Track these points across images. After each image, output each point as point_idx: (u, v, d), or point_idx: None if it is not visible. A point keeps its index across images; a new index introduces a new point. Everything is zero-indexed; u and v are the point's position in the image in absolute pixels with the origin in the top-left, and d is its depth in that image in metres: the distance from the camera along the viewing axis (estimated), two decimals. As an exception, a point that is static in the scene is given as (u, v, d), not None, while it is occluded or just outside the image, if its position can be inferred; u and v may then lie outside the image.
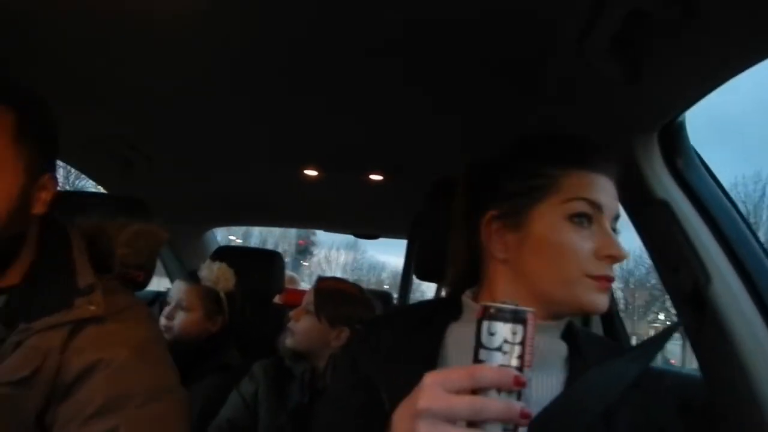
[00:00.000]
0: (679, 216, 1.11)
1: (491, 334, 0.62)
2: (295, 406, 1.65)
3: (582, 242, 0.86)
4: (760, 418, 0.94)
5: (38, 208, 0.96)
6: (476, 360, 0.63)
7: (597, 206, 0.87)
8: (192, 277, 1.94)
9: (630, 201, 1.28)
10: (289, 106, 1.76)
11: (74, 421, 0.86)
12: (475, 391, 0.61)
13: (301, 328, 1.72)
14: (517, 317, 0.62)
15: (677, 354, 10.85)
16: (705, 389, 1.10)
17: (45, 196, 0.97)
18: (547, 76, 1.33)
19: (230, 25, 1.28)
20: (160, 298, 2.27)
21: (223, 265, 1.97)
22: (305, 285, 4.40)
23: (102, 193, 2.36)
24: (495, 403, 0.60)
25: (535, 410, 0.64)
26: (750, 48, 0.85)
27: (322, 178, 2.42)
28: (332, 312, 1.70)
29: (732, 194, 1.18)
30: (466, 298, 0.96)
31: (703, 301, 1.04)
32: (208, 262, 1.98)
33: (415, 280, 2.11)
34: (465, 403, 0.60)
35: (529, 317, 0.63)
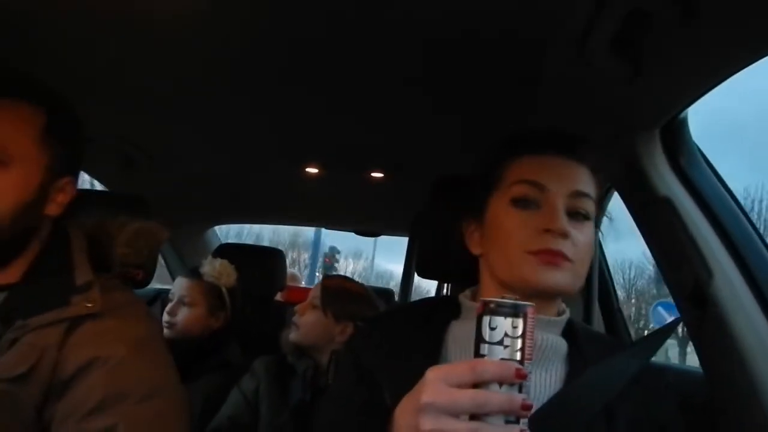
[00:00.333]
0: (681, 213, 1.11)
1: (492, 328, 0.63)
2: (297, 403, 1.66)
3: (525, 223, 0.87)
4: (762, 415, 0.94)
5: (53, 209, 0.99)
6: (477, 354, 0.64)
7: (540, 186, 0.88)
8: (194, 273, 1.95)
9: (632, 198, 1.28)
10: (289, 104, 1.76)
11: (72, 417, 0.86)
12: (477, 385, 0.61)
13: (306, 322, 1.73)
14: (517, 311, 0.63)
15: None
16: (706, 386, 1.10)
17: (62, 198, 0.99)
18: (548, 74, 1.33)
19: (230, 25, 1.28)
20: (162, 295, 2.28)
21: (225, 262, 1.98)
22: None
23: (103, 191, 2.36)
24: (497, 396, 0.61)
25: (535, 407, 0.64)
26: (750, 45, 0.84)
27: (323, 176, 2.42)
28: (339, 308, 1.72)
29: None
30: (464, 297, 0.97)
31: (704, 297, 1.04)
32: (210, 258, 1.99)
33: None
34: (468, 397, 0.61)
35: (529, 311, 0.64)
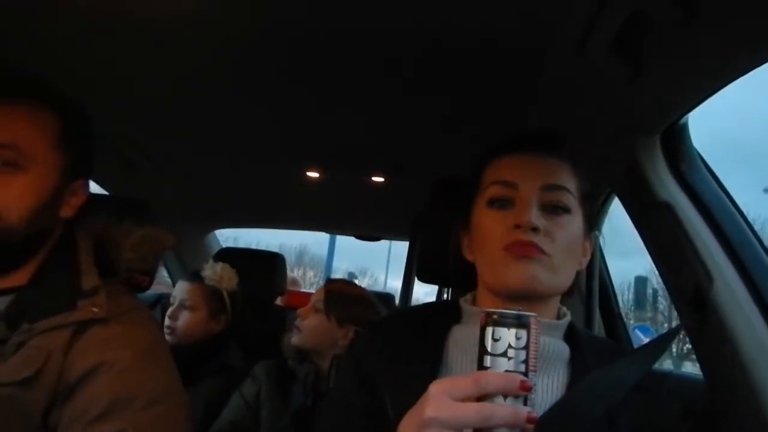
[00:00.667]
0: (681, 218, 1.11)
1: (495, 340, 0.62)
2: (297, 408, 1.65)
3: (499, 222, 0.87)
4: (763, 420, 0.94)
5: (67, 212, 1.01)
6: (481, 367, 0.63)
7: (511, 184, 0.89)
8: (195, 277, 1.95)
9: (633, 203, 1.28)
10: (290, 106, 1.76)
11: (78, 422, 0.86)
12: (480, 398, 0.61)
13: (308, 326, 1.72)
14: (520, 322, 0.62)
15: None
16: (707, 391, 1.10)
17: (75, 201, 1.02)
18: (549, 77, 1.33)
19: (230, 25, 1.28)
20: (162, 300, 2.28)
21: (226, 265, 1.98)
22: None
23: (108, 195, 2.36)
24: (502, 410, 0.60)
25: (537, 412, 0.64)
26: (752, 49, 0.84)
27: (324, 180, 2.42)
28: (342, 312, 1.71)
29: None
30: (464, 302, 0.96)
31: (704, 302, 1.04)
32: (211, 262, 1.99)
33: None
34: (472, 411, 0.60)
35: (533, 322, 0.63)
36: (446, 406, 0.60)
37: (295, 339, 1.73)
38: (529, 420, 0.60)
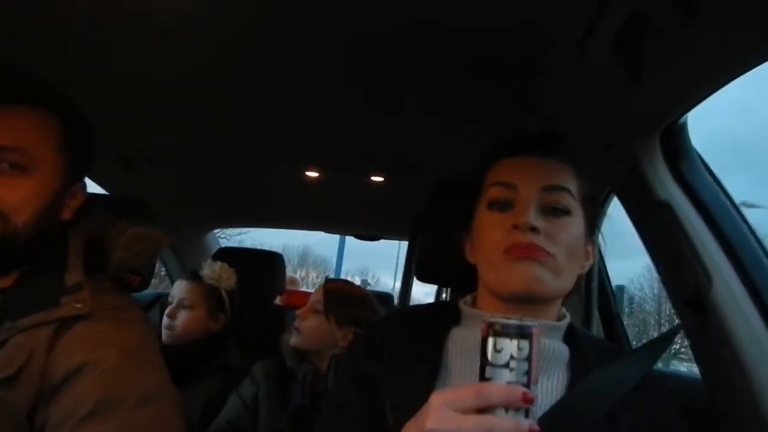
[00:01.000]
0: (680, 218, 1.11)
1: (498, 350, 0.61)
2: (296, 408, 1.65)
3: (499, 224, 0.87)
4: (762, 421, 0.94)
5: (66, 214, 1.02)
6: (482, 378, 0.62)
7: (511, 186, 0.89)
8: (194, 276, 1.95)
9: (632, 203, 1.28)
10: (289, 106, 1.76)
11: (66, 423, 0.84)
12: (482, 410, 0.60)
13: (307, 327, 1.72)
14: (523, 333, 0.62)
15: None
16: (706, 392, 1.10)
17: (74, 203, 1.03)
18: (548, 77, 1.33)
19: (230, 26, 1.28)
20: (161, 299, 2.27)
21: (225, 264, 1.98)
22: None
23: (105, 195, 2.36)
24: (504, 423, 0.59)
25: (536, 413, 0.63)
26: (751, 50, 0.84)
27: (323, 180, 2.42)
28: (342, 312, 1.70)
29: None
30: (464, 304, 0.96)
31: (703, 303, 1.04)
32: (209, 261, 1.99)
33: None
34: (473, 424, 0.59)
35: (535, 332, 0.62)
36: (447, 418, 0.60)
37: (294, 340, 1.72)
38: None
